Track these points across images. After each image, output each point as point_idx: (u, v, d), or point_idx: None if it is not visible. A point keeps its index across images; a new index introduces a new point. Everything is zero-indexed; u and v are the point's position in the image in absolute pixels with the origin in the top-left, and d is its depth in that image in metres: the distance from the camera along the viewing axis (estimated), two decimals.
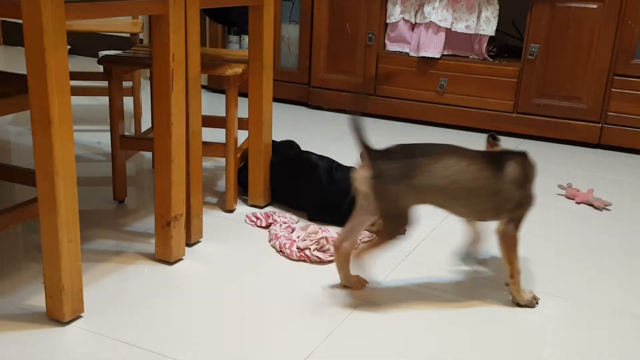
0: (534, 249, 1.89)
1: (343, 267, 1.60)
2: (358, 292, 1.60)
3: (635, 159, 2.85)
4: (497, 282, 1.69)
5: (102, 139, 2.73)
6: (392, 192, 1.46)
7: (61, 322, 1.40)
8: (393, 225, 1.51)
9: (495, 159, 1.55)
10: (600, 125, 2.92)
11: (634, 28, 2.77)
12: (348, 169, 2.05)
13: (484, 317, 1.52)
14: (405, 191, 1.46)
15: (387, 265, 1.75)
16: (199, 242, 1.83)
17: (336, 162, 2.08)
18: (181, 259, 1.72)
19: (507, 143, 2.96)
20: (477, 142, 2.98)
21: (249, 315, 1.48)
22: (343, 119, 3.27)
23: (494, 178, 1.51)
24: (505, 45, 3.26)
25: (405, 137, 3.00)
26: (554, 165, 2.69)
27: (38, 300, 1.48)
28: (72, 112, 1.31)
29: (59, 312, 1.39)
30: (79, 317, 1.43)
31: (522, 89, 3.01)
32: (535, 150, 2.90)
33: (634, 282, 1.72)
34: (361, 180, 1.47)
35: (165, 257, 1.69)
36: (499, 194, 1.51)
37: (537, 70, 2.97)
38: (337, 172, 2.02)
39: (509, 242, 1.54)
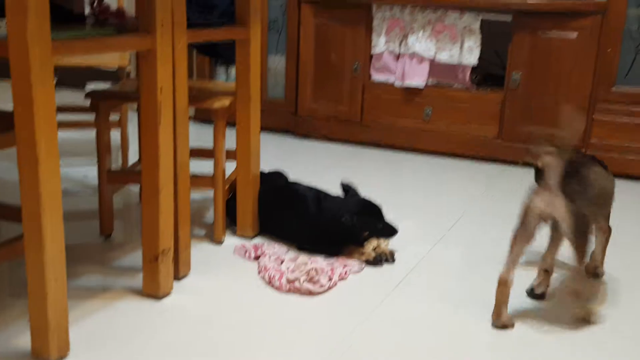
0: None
1: (505, 303, 1.56)
2: (348, 323, 1.59)
3: (618, 184, 2.88)
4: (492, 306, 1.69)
5: (89, 173, 2.72)
6: (583, 210, 1.50)
7: None
8: (588, 242, 1.54)
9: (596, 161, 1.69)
10: (583, 151, 2.95)
11: (613, 56, 2.82)
12: (335, 199, 2.05)
13: (476, 343, 1.52)
14: (587, 205, 1.52)
15: (377, 295, 1.74)
16: (188, 275, 1.82)
17: (324, 191, 2.09)
18: (169, 294, 1.70)
19: (491, 169, 3.00)
20: (464, 168, 3.00)
21: (240, 349, 1.47)
22: (330, 148, 3.28)
23: (610, 179, 1.66)
24: (488, 73, 3.30)
25: (391, 165, 3.01)
26: None
27: (23, 340, 1.45)
28: (58, 146, 1.31)
29: (45, 351, 1.37)
30: (64, 356, 1.40)
31: (505, 116, 3.05)
32: (521, 176, 2.93)
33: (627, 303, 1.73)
34: (554, 206, 1.49)
35: (153, 292, 1.68)
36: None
37: (520, 98, 3.01)
38: (325, 202, 2.03)
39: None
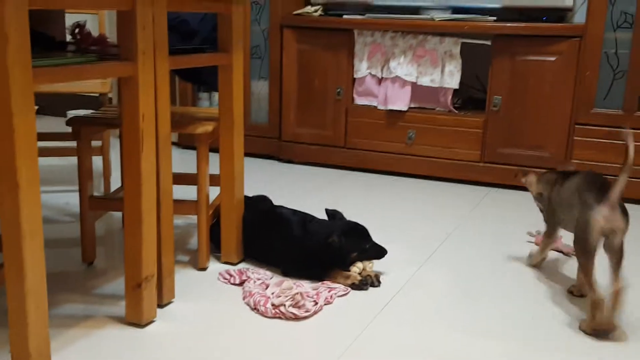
0: (509, 299, 1.90)
1: (610, 319, 1.65)
2: (334, 348, 1.58)
3: None
4: (480, 329, 1.68)
5: (71, 199, 2.70)
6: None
7: None
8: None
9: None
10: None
11: (592, 78, 2.87)
12: (321, 222, 2.05)
13: None
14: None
15: (363, 319, 1.73)
16: (172, 302, 1.80)
17: (309, 215, 2.08)
18: (153, 321, 1.68)
19: (474, 192, 3.01)
20: (447, 191, 3.02)
21: None
22: (314, 172, 3.29)
23: None
24: (469, 97, 3.34)
25: (376, 188, 3.02)
26: (522, 213, 2.73)
27: None
28: (39, 173, 1.30)
29: None
30: None
31: (487, 139, 3.08)
32: (503, 198, 2.95)
33: None
34: (617, 220, 1.62)
35: (136, 319, 1.66)
36: None
37: (501, 121, 3.04)
38: (311, 225, 2.02)
39: None
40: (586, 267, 1.67)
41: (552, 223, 2.01)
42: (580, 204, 1.72)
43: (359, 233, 1.99)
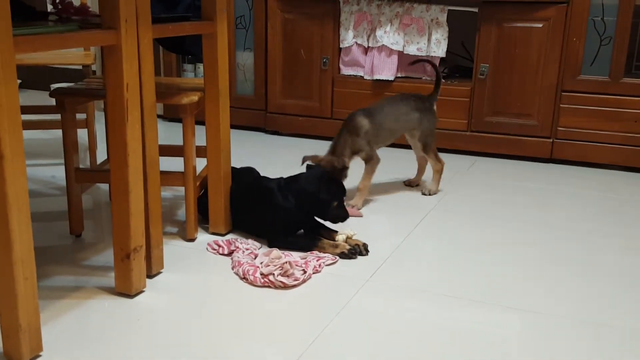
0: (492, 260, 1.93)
1: None
2: (323, 316, 1.60)
3: (585, 171, 2.94)
4: (465, 298, 1.70)
5: (57, 173, 2.68)
6: None
7: None
8: None
9: None
10: (551, 140, 3.00)
11: (579, 45, 2.87)
12: (297, 176, 2.04)
13: (449, 335, 1.53)
14: None
15: (351, 287, 1.75)
16: (160, 273, 1.80)
17: (283, 178, 2.07)
18: (142, 292, 1.69)
19: (461, 161, 3.03)
20: None
21: (215, 344, 1.46)
22: (301, 144, 3.28)
23: None
24: (456, 65, 3.33)
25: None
26: (509, 181, 2.75)
27: None
28: (24, 146, 1.28)
29: (17, 352, 1.34)
30: (38, 356, 1.38)
31: (474, 108, 3.08)
32: (490, 167, 2.96)
33: (593, 292, 1.76)
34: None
35: (126, 290, 1.66)
36: None
37: (488, 89, 3.04)
38: (290, 184, 2.02)
39: None
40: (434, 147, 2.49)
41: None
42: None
43: (337, 183, 2.03)
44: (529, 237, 2.15)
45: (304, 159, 2.28)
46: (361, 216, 2.29)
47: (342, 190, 2.02)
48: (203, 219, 2.13)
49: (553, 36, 2.90)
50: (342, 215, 2.01)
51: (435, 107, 2.51)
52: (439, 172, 2.53)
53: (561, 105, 2.95)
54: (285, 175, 2.08)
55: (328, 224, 2.05)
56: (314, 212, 2.01)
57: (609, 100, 2.88)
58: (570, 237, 2.15)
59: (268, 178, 2.13)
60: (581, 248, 2.06)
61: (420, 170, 2.64)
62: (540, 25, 2.91)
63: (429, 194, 2.53)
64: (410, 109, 2.44)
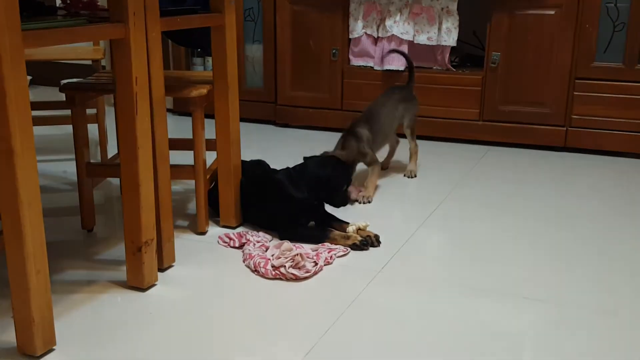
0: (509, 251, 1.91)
1: None
2: (334, 307, 1.59)
3: (600, 159, 2.90)
4: (478, 289, 1.69)
5: (68, 168, 2.69)
6: None
7: (33, 357, 1.36)
8: None
9: None
10: (565, 128, 2.97)
11: (592, 32, 2.83)
12: (303, 164, 2.11)
13: (463, 326, 1.52)
14: None
15: (363, 279, 1.74)
16: (172, 266, 1.80)
17: (290, 168, 2.09)
18: (154, 285, 1.69)
19: (473, 151, 3.00)
20: (446, 151, 3.01)
21: (227, 336, 1.46)
22: (311, 136, 3.27)
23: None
24: (467, 54, 3.30)
25: None
26: (522, 172, 2.72)
27: (8, 335, 1.44)
28: (35, 142, 1.28)
29: (31, 346, 1.35)
30: (51, 350, 1.39)
31: (486, 97, 3.05)
32: (503, 156, 2.94)
33: (608, 282, 1.75)
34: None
35: (138, 283, 1.66)
36: None
37: (500, 78, 3.01)
38: (297, 174, 2.05)
39: None
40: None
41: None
42: None
43: (345, 166, 2.14)
44: (542, 227, 2.13)
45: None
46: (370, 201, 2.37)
47: (351, 174, 2.17)
48: (214, 212, 2.13)
49: (565, 23, 2.86)
50: (346, 200, 2.18)
51: (414, 93, 2.64)
52: (416, 153, 2.66)
53: (575, 93, 2.92)
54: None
55: (339, 214, 2.05)
56: (325, 198, 2.08)
57: (623, 87, 2.84)
58: (585, 226, 2.13)
59: (277, 170, 2.13)
60: (596, 237, 2.04)
61: (391, 153, 2.75)
62: (553, 12, 2.87)
63: (412, 176, 2.62)
64: (397, 102, 2.54)
